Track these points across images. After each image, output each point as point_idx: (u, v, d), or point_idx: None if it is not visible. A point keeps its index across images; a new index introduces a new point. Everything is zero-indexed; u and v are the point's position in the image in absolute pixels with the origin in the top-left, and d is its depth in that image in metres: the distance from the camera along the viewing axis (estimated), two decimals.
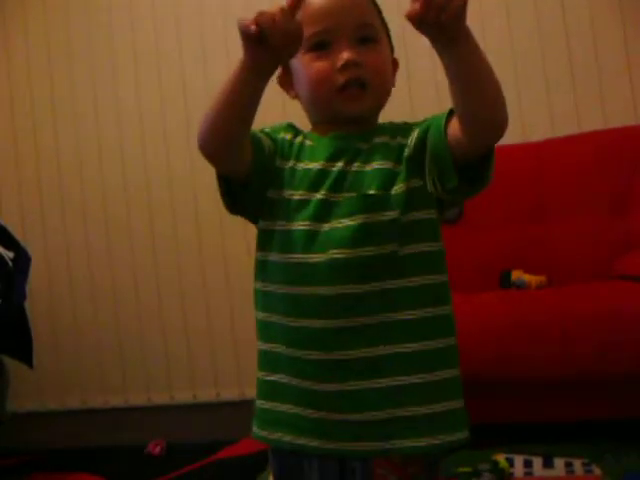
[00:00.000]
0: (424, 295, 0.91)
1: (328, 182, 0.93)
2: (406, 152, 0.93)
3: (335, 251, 0.90)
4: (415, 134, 0.93)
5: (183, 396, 2.83)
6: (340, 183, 0.93)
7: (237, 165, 0.92)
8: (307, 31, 0.90)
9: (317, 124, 1.01)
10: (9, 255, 2.08)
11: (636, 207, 2.20)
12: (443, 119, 0.88)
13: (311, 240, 0.91)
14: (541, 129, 2.47)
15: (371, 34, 0.95)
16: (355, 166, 0.94)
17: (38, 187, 2.99)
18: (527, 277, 2.08)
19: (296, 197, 0.94)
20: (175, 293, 2.84)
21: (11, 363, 2.39)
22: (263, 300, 0.97)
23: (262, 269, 0.97)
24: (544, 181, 2.31)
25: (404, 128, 0.97)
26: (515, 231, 2.29)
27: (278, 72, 0.97)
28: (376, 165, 0.93)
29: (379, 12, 1.00)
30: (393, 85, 1.01)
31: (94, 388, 2.90)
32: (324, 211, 0.92)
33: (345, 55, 0.93)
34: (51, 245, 2.95)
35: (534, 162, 2.34)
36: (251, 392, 1.04)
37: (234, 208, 0.96)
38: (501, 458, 1.74)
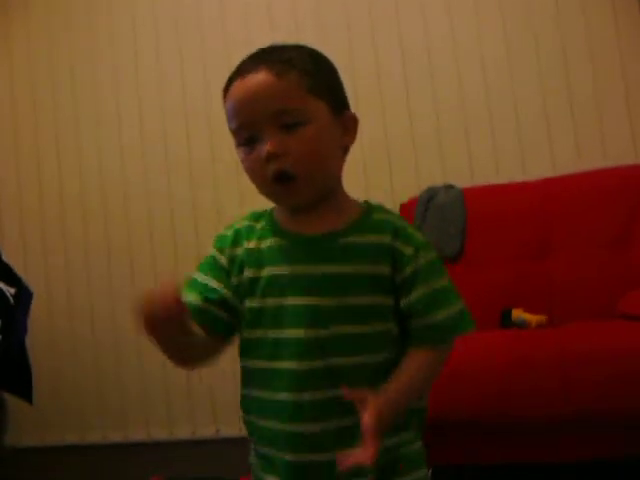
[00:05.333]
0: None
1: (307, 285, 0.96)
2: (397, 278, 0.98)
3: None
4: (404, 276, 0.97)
5: (183, 432, 2.81)
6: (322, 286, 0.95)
7: (218, 348, 1.01)
8: (231, 125, 0.97)
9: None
10: (10, 291, 2.10)
11: (637, 246, 2.20)
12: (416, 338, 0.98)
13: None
14: (542, 168, 2.48)
15: (292, 120, 0.92)
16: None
17: (40, 219, 3.01)
18: (527, 316, 2.07)
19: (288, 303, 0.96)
20: None
21: (10, 398, 2.38)
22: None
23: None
24: (544, 220, 2.31)
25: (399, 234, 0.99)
26: (516, 269, 2.28)
27: None
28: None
29: (311, 79, 0.94)
30: (346, 148, 1.01)
31: (94, 424, 2.88)
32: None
33: (266, 148, 0.92)
34: (53, 279, 2.96)
35: (535, 201, 2.34)
36: None
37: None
38: None
